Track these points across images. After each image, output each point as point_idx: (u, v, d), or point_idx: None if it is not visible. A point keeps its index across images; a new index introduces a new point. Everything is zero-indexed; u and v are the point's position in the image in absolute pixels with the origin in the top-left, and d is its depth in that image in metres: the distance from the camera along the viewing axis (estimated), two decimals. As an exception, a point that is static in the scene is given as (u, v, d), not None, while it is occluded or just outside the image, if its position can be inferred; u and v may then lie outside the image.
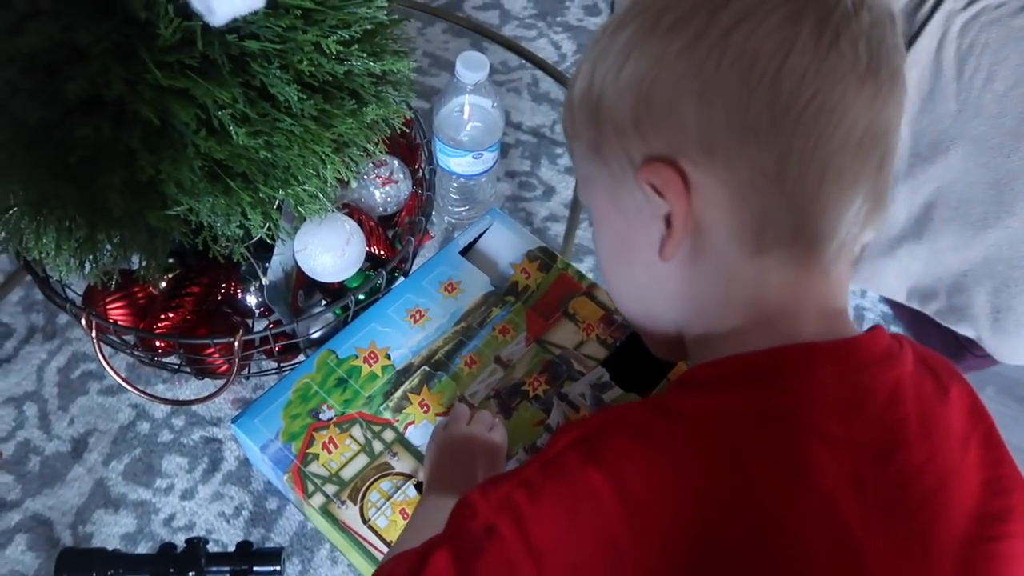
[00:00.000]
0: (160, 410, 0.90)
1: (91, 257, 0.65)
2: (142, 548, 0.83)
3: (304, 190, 0.65)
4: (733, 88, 0.39)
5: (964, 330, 0.92)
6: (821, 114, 0.39)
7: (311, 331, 0.78)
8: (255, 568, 0.63)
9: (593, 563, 0.38)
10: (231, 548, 0.76)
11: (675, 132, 0.41)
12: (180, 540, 0.81)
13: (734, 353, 0.42)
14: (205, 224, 0.64)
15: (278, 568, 0.64)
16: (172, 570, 0.61)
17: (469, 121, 0.87)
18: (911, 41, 0.86)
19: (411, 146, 0.86)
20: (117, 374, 0.74)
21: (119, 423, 0.89)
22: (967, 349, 0.96)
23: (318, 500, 0.68)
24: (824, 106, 0.39)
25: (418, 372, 0.74)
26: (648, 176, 0.42)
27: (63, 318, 0.94)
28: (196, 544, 0.62)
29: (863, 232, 0.43)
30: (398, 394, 0.73)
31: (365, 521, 0.67)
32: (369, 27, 0.66)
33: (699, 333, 0.46)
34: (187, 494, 0.86)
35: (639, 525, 0.38)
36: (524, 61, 1.20)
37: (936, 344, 0.97)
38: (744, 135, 0.39)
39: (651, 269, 0.45)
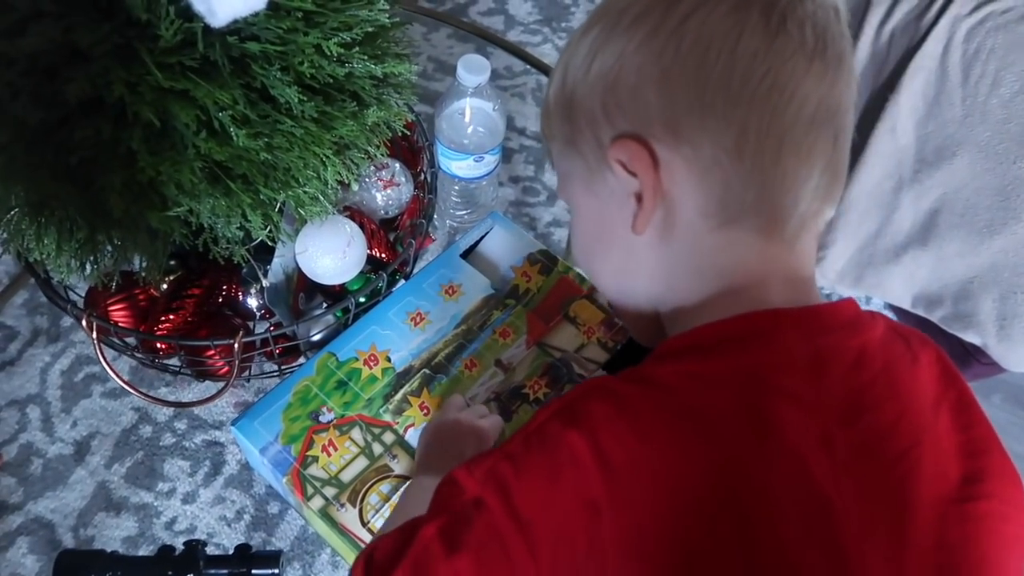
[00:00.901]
0: (162, 413, 0.90)
1: (92, 258, 0.65)
2: (143, 551, 0.82)
3: (305, 192, 0.65)
4: (691, 71, 0.42)
5: (970, 337, 0.91)
6: (774, 91, 0.42)
7: (311, 333, 0.77)
8: (253, 571, 0.62)
9: (576, 529, 0.39)
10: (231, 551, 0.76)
11: (641, 114, 0.44)
12: (181, 544, 0.81)
13: (705, 323, 0.44)
14: (206, 226, 0.64)
15: (276, 571, 0.63)
16: (170, 572, 0.60)
17: (470, 124, 0.87)
18: (916, 46, 0.85)
19: (413, 149, 0.86)
20: (117, 375, 0.73)
21: (122, 426, 0.89)
22: (973, 356, 0.95)
23: (317, 503, 0.67)
24: (776, 83, 0.42)
25: (418, 375, 0.73)
26: (617, 153, 0.44)
27: (67, 321, 0.94)
28: (195, 546, 0.61)
29: (824, 207, 0.45)
30: (398, 397, 0.72)
31: (364, 524, 0.67)
32: (370, 30, 0.66)
33: (673, 307, 0.48)
34: (189, 497, 0.85)
35: (616, 488, 0.39)
36: (528, 66, 1.20)
37: (942, 351, 0.96)
38: (704, 113, 0.42)
39: (627, 247, 0.48)
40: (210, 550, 0.81)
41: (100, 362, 0.72)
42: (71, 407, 0.90)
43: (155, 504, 0.85)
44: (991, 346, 0.90)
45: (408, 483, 0.66)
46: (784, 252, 0.45)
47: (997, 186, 0.84)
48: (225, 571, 0.62)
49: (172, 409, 0.89)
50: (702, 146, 0.43)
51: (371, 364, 0.73)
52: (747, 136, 0.42)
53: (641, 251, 0.47)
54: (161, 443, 0.88)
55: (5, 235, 0.65)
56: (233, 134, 0.59)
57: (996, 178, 0.83)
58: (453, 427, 0.66)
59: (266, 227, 0.65)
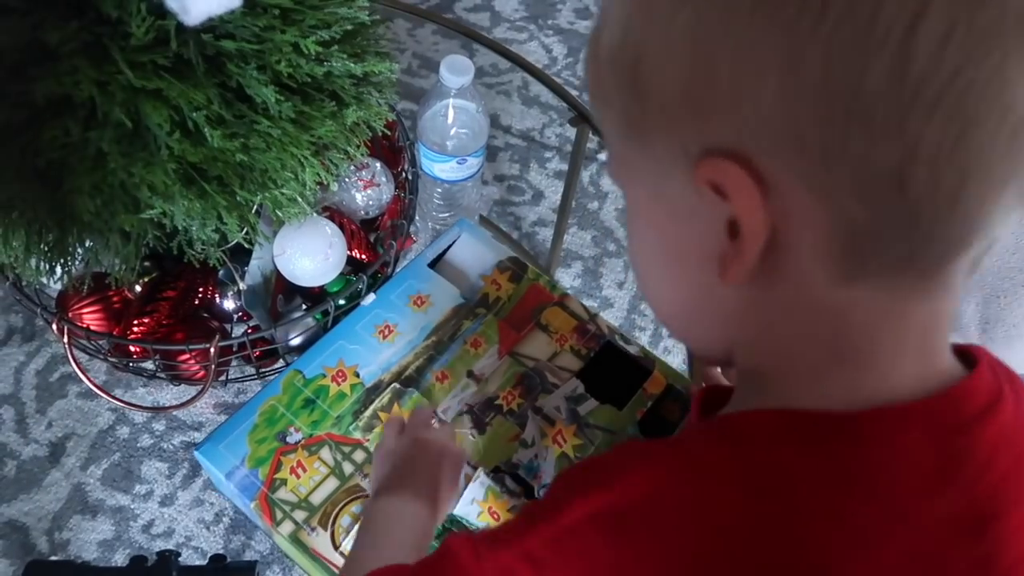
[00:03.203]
0: (140, 414, 0.88)
1: (62, 261, 0.63)
2: (120, 555, 0.80)
3: (282, 193, 0.63)
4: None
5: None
6: (970, 92, 0.27)
7: (290, 336, 0.76)
8: (228, 582, 0.61)
9: None
10: (210, 555, 0.74)
11: (749, 116, 0.29)
12: (159, 546, 0.79)
13: (805, 408, 0.34)
14: (180, 228, 0.62)
15: (251, 582, 0.62)
16: (141, 584, 0.59)
17: (453, 125, 0.85)
18: None
19: (394, 148, 0.84)
20: (90, 380, 0.72)
21: (98, 427, 0.87)
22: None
23: (287, 528, 0.65)
24: (975, 83, 0.27)
25: (388, 389, 0.71)
26: (709, 175, 0.31)
27: (42, 320, 0.92)
28: (167, 557, 0.60)
29: (993, 242, 0.33)
30: (368, 413, 0.70)
31: (336, 547, 0.64)
32: (350, 27, 0.64)
33: (759, 364, 0.37)
34: (166, 500, 0.84)
35: None
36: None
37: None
38: (851, 123, 0.28)
39: (704, 287, 0.36)
40: (187, 555, 0.79)
41: (71, 365, 0.70)
42: (46, 408, 0.88)
43: (132, 507, 0.83)
44: (974, 350, 0.89)
45: (370, 504, 0.59)
46: (927, 314, 0.34)
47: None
48: (199, 582, 0.60)
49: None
50: (840, 170, 0.29)
51: (339, 380, 0.71)
52: (918, 157, 0.28)
53: (725, 296, 0.35)
54: (138, 445, 0.87)
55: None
56: (208, 135, 0.58)
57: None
58: (424, 446, 0.60)
59: (243, 229, 0.64)
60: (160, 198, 0.59)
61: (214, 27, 0.58)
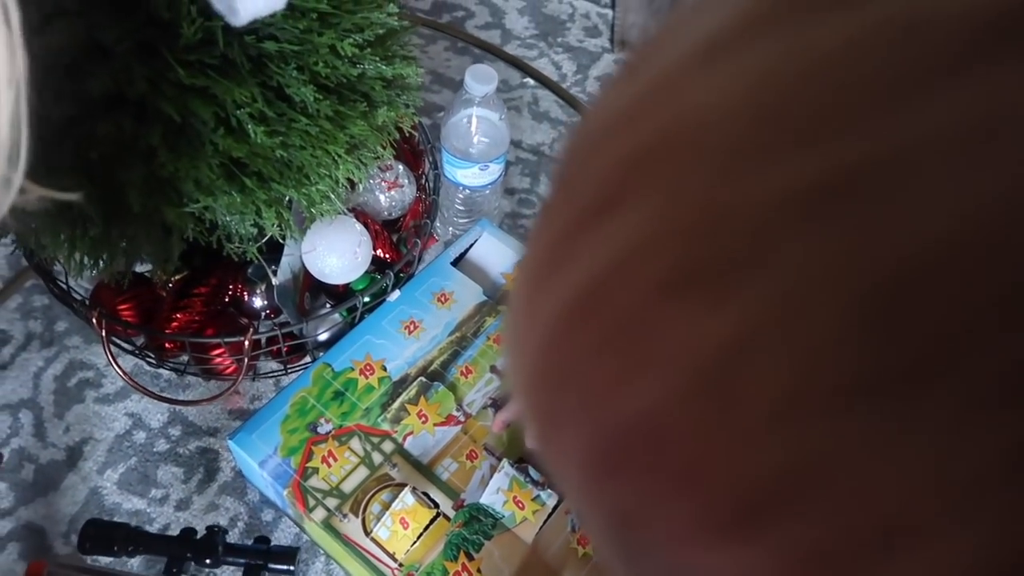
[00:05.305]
0: (156, 419, 0.92)
1: (104, 256, 0.68)
2: (136, 558, 0.84)
3: (317, 190, 0.69)
4: None
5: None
6: None
7: (318, 332, 0.81)
8: (270, 565, 0.65)
9: None
10: (255, 536, 0.77)
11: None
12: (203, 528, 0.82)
13: None
14: (219, 223, 0.68)
15: (292, 568, 0.66)
16: (190, 554, 0.63)
17: (476, 133, 0.92)
18: None
19: (415, 152, 0.90)
20: (124, 373, 0.76)
21: (115, 432, 0.91)
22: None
23: (320, 514, 0.70)
24: None
25: (415, 383, 0.76)
26: None
27: (61, 325, 0.97)
28: (216, 532, 0.64)
29: None
30: (395, 405, 0.75)
31: (367, 533, 0.69)
32: (381, 32, 0.70)
33: None
34: (182, 504, 0.88)
35: None
36: (524, 80, 1.25)
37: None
38: None
39: None
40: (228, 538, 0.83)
41: (106, 357, 0.75)
42: (64, 412, 0.92)
43: (148, 510, 0.87)
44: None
45: None
46: None
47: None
48: (243, 561, 0.64)
49: (166, 416, 0.92)
50: None
51: (367, 374, 0.76)
52: None
53: None
54: (155, 449, 0.91)
55: (14, 233, 0.69)
56: (251, 131, 0.63)
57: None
58: None
59: (278, 224, 0.69)
60: (203, 192, 0.64)
61: (257, 29, 0.65)
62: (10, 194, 0.49)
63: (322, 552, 0.84)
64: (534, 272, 0.19)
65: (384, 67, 0.70)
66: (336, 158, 0.68)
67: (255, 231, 0.69)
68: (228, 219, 0.67)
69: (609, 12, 1.40)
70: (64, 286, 0.77)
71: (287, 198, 0.69)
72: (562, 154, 0.20)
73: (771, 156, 0.15)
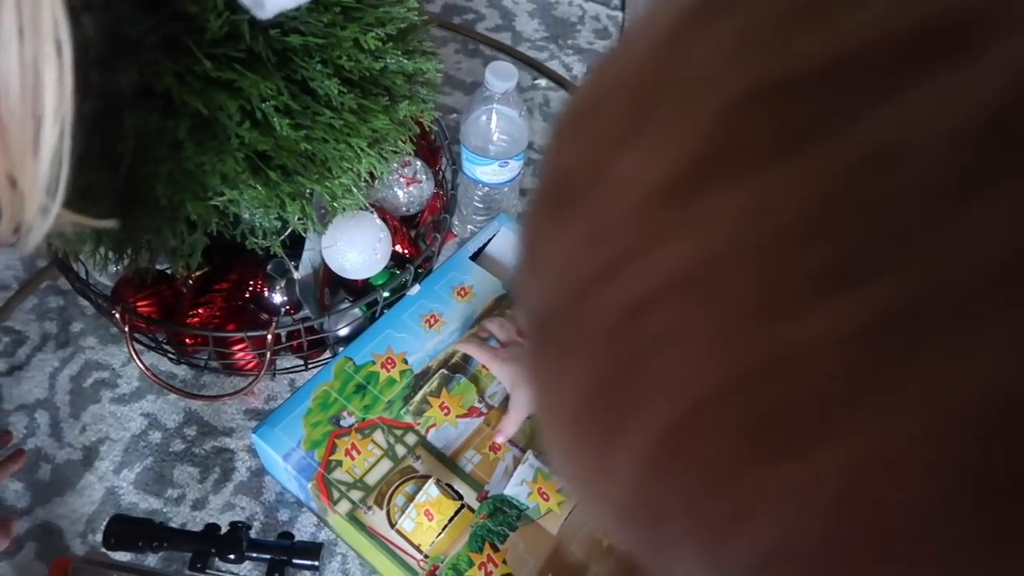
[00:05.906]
0: (172, 419, 0.93)
1: (128, 251, 0.69)
2: (152, 558, 0.85)
3: (340, 183, 0.70)
4: None
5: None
6: None
7: (339, 327, 0.82)
8: (294, 560, 0.66)
9: None
10: (279, 531, 0.77)
11: None
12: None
13: None
14: (243, 217, 0.69)
15: (316, 563, 0.67)
16: (214, 550, 0.63)
17: (496, 130, 0.93)
18: None
19: (431, 148, 0.92)
20: (147, 368, 0.77)
21: (131, 432, 0.92)
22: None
23: (344, 507, 0.70)
24: None
25: (436, 375, 0.77)
26: None
27: (76, 326, 0.98)
28: (240, 527, 0.65)
29: None
30: (417, 398, 0.76)
31: (392, 525, 0.70)
32: (402, 26, 0.72)
33: None
34: (198, 504, 0.88)
35: None
36: (536, 81, 1.27)
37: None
38: None
39: None
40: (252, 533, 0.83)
41: (129, 353, 0.76)
42: (80, 412, 0.93)
43: (164, 510, 0.88)
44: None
45: None
46: None
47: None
48: (267, 556, 0.65)
49: (181, 416, 0.93)
50: None
51: (388, 367, 0.77)
52: None
53: None
54: (171, 449, 0.91)
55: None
56: (276, 124, 0.65)
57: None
58: None
59: (302, 218, 0.70)
60: (229, 185, 0.65)
61: (281, 23, 0.66)
62: (47, 221, 0.50)
63: (339, 552, 0.84)
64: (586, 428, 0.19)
65: (405, 61, 0.72)
66: (359, 152, 0.69)
67: (279, 224, 0.70)
68: (252, 213, 0.68)
69: (619, 14, 1.41)
70: (86, 281, 0.78)
71: (309, 191, 0.70)
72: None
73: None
